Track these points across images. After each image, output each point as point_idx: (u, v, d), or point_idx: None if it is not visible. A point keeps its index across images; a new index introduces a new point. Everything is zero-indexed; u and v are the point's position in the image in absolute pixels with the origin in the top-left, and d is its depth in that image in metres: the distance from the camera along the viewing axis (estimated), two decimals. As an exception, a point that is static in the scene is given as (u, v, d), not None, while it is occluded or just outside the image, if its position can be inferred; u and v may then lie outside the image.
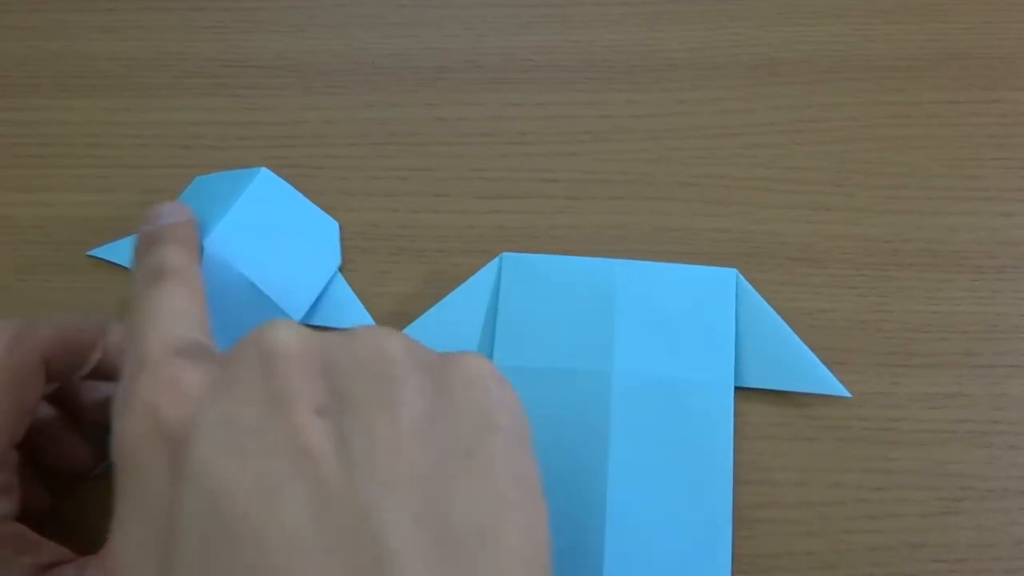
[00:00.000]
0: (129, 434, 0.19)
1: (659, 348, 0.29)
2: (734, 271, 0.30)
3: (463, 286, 0.31)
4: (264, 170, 0.31)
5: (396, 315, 0.31)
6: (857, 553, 0.28)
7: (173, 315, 0.21)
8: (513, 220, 0.32)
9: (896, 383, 0.30)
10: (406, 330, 0.30)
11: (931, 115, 0.34)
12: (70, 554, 0.24)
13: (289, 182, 0.31)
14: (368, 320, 0.31)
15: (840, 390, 0.29)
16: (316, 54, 0.35)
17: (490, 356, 0.30)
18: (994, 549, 0.28)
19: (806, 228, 0.32)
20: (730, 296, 0.30)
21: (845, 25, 0.35)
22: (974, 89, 0.34)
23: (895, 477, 0.29)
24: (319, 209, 0.32)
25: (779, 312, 0.30)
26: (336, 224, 0.32)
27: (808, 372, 0.29)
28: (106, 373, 0.26)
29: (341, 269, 0.32)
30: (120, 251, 0.32)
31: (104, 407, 0.27)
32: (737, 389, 0.29)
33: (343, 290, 0.31)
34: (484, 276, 0.31)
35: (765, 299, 0.30)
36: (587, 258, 0.31)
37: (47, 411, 0.27)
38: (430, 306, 0.31)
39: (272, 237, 0.30)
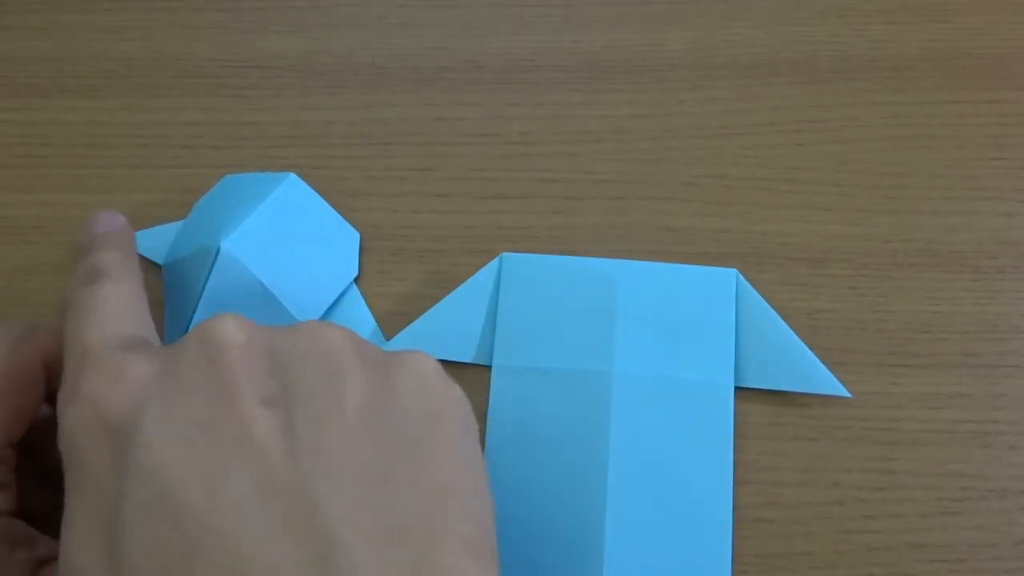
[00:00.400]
0: (73, 427, 0.19)
1: (659, 348, 0.29)
2: (734, 271, 0.30)
3: (463, 286, 0.31)
4: (292, 176, 0.31)
5: (396, 315, 0.31)
6: (857, 553, 0.28)
7: (112, 311, 0.21)
8: (513, 220, 0.32)
9: (896, 383, 0.30)
10: (406, 330, 0.30)
11: (931, 115, 0.34)
12: None
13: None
14: (379, 333, 0.31)
15: (840, 390, 0.29)
16: (316, 54, 0.35)
17: (490, 356, 0.30)
18: (994, 549, 0.28)
19: (806, 228, 0.32)
20: (730, 296, 0.30)
21: (845, 25, 0.35)
22: (974, 89, 0.34)
23: (895, 477, 0.29)
24: (342, 218, 0.32)
25: (779, 312, 0.30)
26: (357, 234, 0.32)
27: (808, 372, 0.29)
28: None
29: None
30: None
31: None
32: (737, 389, 0.29)
33: (355, 301, 0.31)
34: (484, 276, 0.31)
35: (765, 299, 0.30)
36: (587, 258, 0.31)
37: (47, 410, 0.27)
38: (430, 306, 0.31)
39: (291, 243, 0.30)
